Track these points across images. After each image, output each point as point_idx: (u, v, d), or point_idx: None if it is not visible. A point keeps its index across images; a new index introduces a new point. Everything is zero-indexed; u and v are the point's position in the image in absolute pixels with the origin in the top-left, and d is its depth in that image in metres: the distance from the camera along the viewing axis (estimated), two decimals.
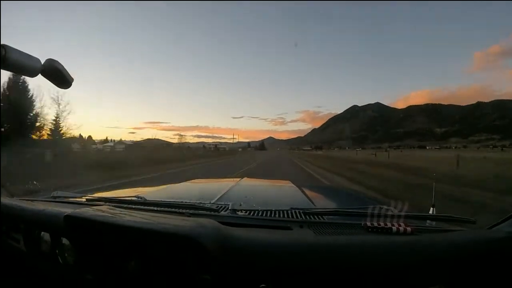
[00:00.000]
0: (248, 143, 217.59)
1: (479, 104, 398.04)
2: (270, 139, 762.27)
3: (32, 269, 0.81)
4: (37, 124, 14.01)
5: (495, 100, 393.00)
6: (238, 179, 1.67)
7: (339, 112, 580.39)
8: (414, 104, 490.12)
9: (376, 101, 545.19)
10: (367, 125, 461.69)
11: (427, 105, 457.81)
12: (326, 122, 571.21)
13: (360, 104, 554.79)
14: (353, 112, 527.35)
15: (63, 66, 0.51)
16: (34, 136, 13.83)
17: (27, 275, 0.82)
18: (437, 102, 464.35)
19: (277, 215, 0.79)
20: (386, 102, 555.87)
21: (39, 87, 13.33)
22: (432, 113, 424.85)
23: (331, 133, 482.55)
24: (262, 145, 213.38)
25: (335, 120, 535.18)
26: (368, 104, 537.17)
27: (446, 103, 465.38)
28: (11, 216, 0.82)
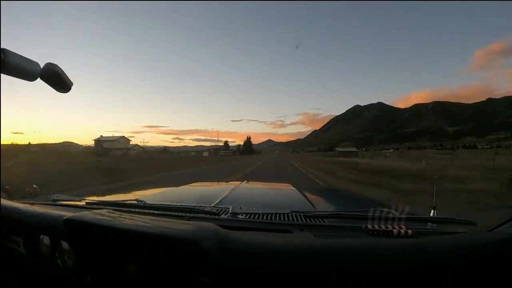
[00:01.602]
0: (225, 143, 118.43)
1: (490, 101, 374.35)
2: (269, 141, 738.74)
3: (32, 272, 0.80)
4: None
5: (505, 97, 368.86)
6: (238, 182, 1.65)
7: (338, 114, 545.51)
8: (417, 103, 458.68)
9: (377, 101, 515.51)
10: (371, 125, 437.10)
11: (434, 103, 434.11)
12: (327, 123, 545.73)
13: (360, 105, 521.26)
14: (356, 112, 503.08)
15: (62, 70, 0.51)
16: None
17: (27, 278, 0.81)
18: (443, 100, 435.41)
19: (277, 219, 0.78)
20: (386, 103, 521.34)
21: None
22: (440, 111, 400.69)
23: (333, 134, 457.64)
24: (248, 147, 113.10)
25: (337, 121, 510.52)
26: (371, 104, 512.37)
27: (454, 101, 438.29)
28: (11, 219, 0.82)
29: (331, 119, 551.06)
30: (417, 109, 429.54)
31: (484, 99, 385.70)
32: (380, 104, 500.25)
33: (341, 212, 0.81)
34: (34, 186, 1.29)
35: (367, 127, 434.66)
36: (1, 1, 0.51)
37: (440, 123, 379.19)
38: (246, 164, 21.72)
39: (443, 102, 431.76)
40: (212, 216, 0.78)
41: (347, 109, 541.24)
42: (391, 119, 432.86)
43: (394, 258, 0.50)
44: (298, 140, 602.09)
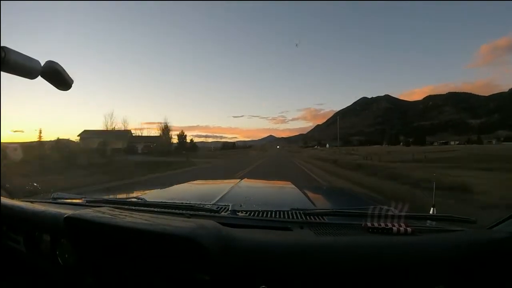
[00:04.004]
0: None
1: None
2: (271, 137, 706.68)
3: (32, 270, 0.79)
4: None
5: None
6: (238, 180, 1.64)
7: (340, 109, 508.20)
8: (431, 94, 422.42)
9: (384, 94, 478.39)
10: (382, 118, 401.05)
11: (449, 94, 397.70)
12: (332, 116, 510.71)
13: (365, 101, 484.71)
14: (363, 104, 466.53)
15: (63, 68, 0.51)
16: None
17: (27, 276, 0.80)
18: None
19: (277, 216, 0.78)
20: (393, 95, 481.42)
21: None
22: (458, 103, 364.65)
23: (340, 128, 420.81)
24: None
25: (343, 114, 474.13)
26: (379, 96, 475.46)
27: (474, 92, 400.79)
28: (11, 217, 0.81)
29: (336, 113, 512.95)
30: (431, 100, 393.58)
31: (507, 90, 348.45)
32: (387, 97, 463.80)
33: (341, 210, 0.80)
34: (35, 184, 1.28)
35: (377, 120, 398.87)
36: (1, 1, 0.51)
37: (461, 115, 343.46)
38: None
39: (459, 93, 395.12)
40: (212, 213, 0.77)
41: (350, 104, 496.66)
42: (403, 112, 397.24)
43: (393, 255, 0.50)
44: (301, 135, 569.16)
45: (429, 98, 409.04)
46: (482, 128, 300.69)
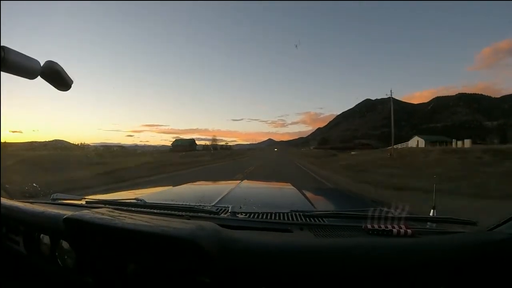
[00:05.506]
0: None
1: None
2: (270, 140, 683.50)
3: (32, 272, 0.79)
4: None
5: None
6: (238, 181, 1.65)
7: (339, 113, 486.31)
8: (440, 95, 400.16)
9: (388, 96, 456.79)
10: (389, 120, 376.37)
11: (460, 94, 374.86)
12: (335, 118, 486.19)
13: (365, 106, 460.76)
14: (368, 106, 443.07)
15: (62, 68, 0.50)
16: None
17: (27, 277, 0.80)
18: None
19: (277, 218, 0.78)
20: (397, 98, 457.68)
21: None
22: (470, 103, 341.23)
23: (343, 131, 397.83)
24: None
25: (346, 117, 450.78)
26: (382, 98, 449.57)
27: (484, 94, 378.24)
28: (11, 218, 0.81)
29: (338, 115, 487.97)
30: (441, 101, 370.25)
31: None
32: (392, 99, 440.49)
33: (341, 211, 0.80)
34: (34, 185, 1.29)
35: (384, 122, 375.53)
36: (2, 0, 0.50)
37: (475, 116, 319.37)
38: None
39: (470, 94, 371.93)
40: (212, 215, 0.78)
41: (352, 106, 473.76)
42: (410, 113, 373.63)
43: (393, 257, 0.50)
44: (300, 138, 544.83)
45: (437, 99, 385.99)
46: (500, 130, 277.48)
